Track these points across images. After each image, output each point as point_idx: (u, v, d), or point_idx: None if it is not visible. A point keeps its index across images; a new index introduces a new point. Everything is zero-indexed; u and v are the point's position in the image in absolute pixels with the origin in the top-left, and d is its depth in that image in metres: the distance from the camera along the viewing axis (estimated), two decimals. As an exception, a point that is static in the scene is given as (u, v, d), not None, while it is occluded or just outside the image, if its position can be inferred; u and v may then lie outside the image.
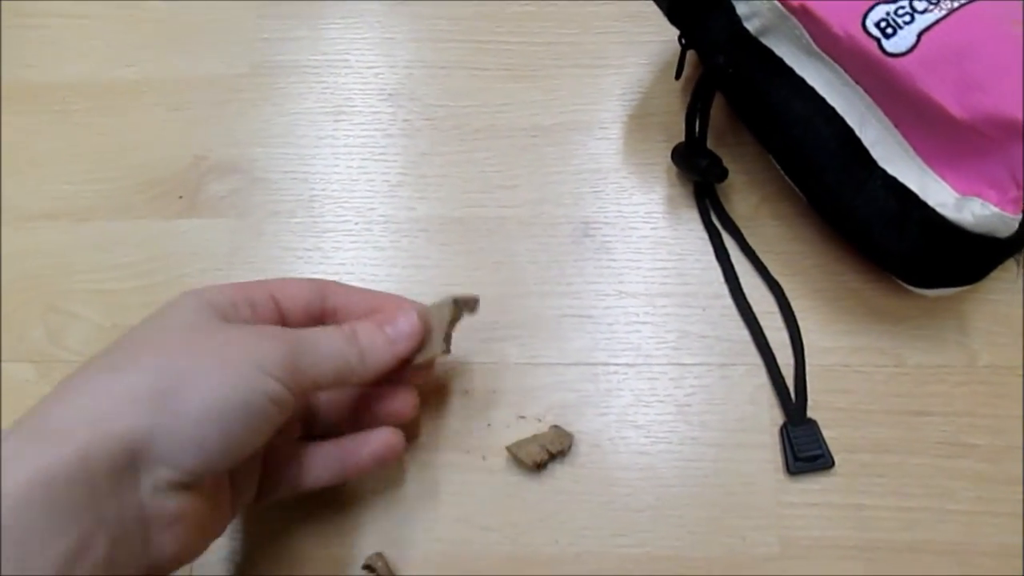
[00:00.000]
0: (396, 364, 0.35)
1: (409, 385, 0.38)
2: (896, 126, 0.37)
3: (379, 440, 0.36)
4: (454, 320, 0.37)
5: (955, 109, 0.34)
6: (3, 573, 0.24)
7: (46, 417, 0.28)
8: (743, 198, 0.45)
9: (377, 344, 0.34)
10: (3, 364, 0.44)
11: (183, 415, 0.28)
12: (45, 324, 0.45)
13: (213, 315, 0.32)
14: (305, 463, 0.36)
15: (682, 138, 0.44)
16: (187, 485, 0.29)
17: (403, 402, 0.37)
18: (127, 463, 0.27)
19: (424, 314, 0.36)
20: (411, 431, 0.41)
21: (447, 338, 0.37)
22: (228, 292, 0.33)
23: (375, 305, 0.36)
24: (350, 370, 0.33)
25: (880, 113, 0.37)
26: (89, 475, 0.26)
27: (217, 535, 0.33)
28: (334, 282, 0.37)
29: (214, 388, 0.29)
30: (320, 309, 0.36)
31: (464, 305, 0.37)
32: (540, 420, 0.41)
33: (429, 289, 0.44)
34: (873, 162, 0.38)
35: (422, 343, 0.36)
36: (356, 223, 0.46)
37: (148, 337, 0.31)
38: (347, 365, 0.33)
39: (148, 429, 0.27)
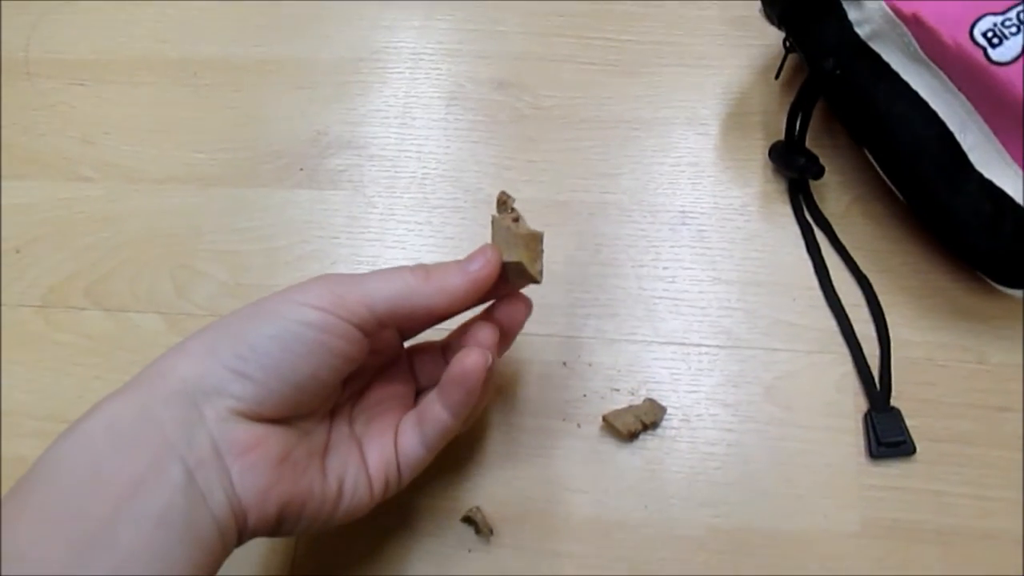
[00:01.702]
0: (478, 290, 0.35)
1: (482, 346, 0.36)
2: (995, 132, 0.39)
3: (455, 365, 0.35)
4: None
5: (1055, 118, 0.36)
6: (81, 481, 0.28)
7: (157, 367, 0.32)
8: (836, 197, 0.47)
9: (449, 267, 0.35)
10: (135, 315, 0.47)
11: (224, 353, 0.31)
12: (173, 280, 0.48)
13: None
14: (423, 415, 0.37)
15: (779, 137, 0.46)
16: (248, 413, 0.31)
17: (515, 311, 0.37)
18: (187, 403, 0.30)
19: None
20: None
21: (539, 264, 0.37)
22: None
23: None
24: (411, 290, 0.33)
25: (980, 120, 0.39)
26: (151, 417, 0.30)
27: (331, 501, 0.34)
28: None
29: (250, 324, 0.32)
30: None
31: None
32: (633, 394, 0.44)
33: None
34: (971, 165, 0.40)
35: (504, 271, 0.36)
36: (465, 201, 0.49)
37: None
38: (407, 285, 0.33)
39: (199, 374, 0.31)
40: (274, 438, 0.32)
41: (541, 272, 0.37)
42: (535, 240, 0.36)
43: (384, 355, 0.39)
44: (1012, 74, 0.37)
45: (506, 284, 0.37)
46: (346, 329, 0.32)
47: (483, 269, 0.35)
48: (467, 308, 0.36)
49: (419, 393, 0.40)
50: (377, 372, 0.39)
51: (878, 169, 0.43)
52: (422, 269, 0.34)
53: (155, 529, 0.28)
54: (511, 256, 0.35)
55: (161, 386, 0.31)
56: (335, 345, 0.32)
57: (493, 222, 0.37)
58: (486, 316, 0.38)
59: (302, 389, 0.32)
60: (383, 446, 0.37)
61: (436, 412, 0.36)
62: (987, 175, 0.39)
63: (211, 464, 0.30)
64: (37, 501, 0.28)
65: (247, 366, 0.31)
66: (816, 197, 0.47)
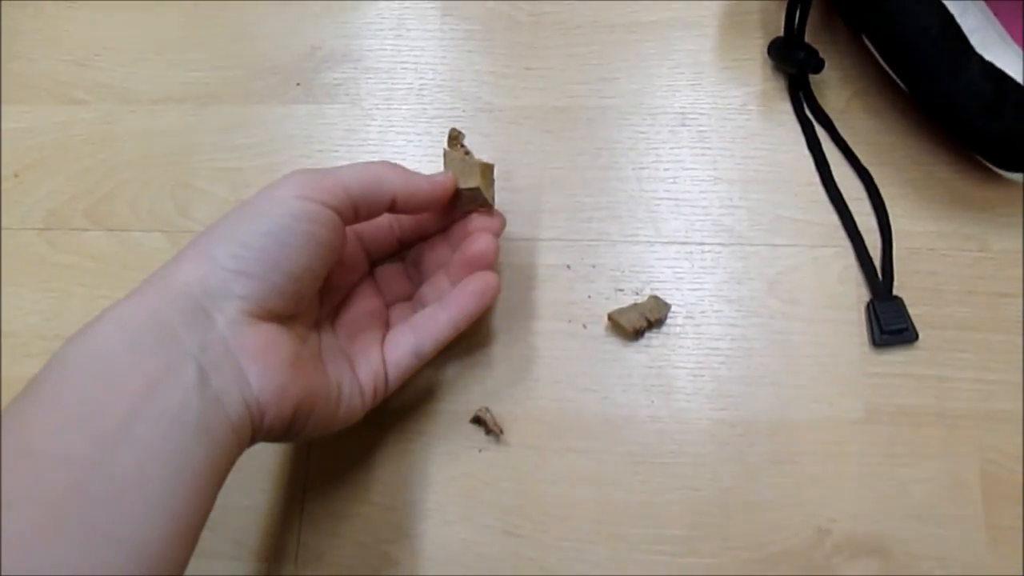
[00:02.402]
0: (437, 195, 0.38)
1: (486, 231, 0.40)
2: (996, 14, 0.39)
3: (475, 281, 0.39)
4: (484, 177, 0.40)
5: (1056, -6, 0.36)
6: (96, 380, 0.28)
7: (161, 272, 0.32)
8: (836, 93, 0.47)
9: (413, 173, 0.37)
10: (137, 234, 0.47)
11: (220, 256, 0.32)
12: (174, 198, 0.48)
13: None
14: (418, 326, 0.39)
15: (777, 35, 0.46)
16: (256, 311, 0.32)
17: (484, 243, 0.39)
18: (195, 307, 0.31)
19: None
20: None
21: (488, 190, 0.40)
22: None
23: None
24: (381, 175, 0.36)
25: (981, 1, 0.39)
26: (162, 321, 0.30)
27: (329, 396, 0.35)
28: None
29: (240, 225, 0.33)
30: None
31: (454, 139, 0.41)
32: (637, 294, 0.44)
33: (533, 171, 0.46)
34: (971, 48, 0.40)
35: (456, 196, 0.39)
36: (463, 111, 0.49)
37: None
38: (377, 170, 0.36)
39: (200, 277, 0.31)
40: (283, 339, 0.33)
41: (493, 198, 0.41)
42: (489, 169, 0.40)
43: (354, 272, 0.41)
44: (1013, -49, 0.37)
45: (456, 210, 0.40)
46: (328, 216, 0.34)
47: (445, 181, 0.38)
48: (423, 213, 0.41)
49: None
50: (348, 291, 0.41)
51: (878, 58, 0.43)
52: (385, 163, 0.37)
53: (171, 428, 0.29)
54: (467, 183, 0.39)
55: (167, 291, 0.31)
56: (320, 234, 0.33)
57: (445, 155, 0.40)
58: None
59: (300, 280, 0.33)
60: (370, 360, 0.38)
61: (438, 323, 0.39)
62: (988, 57, 0.39)
63: (225, 366, 0.31)
64: (52, 398, 0.28)
65: (245, 264, 0.32)
66: (816, 93, 0.47)
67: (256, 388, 0.31)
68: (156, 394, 0.29)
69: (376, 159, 0.47)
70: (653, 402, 0.42)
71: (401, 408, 0.43)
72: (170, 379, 0.29)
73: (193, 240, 0.33)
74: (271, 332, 0.33)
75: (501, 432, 0.42)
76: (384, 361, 0.38)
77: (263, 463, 0.42)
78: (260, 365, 0.32)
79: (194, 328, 0.30)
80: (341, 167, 0.36)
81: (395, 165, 0.37)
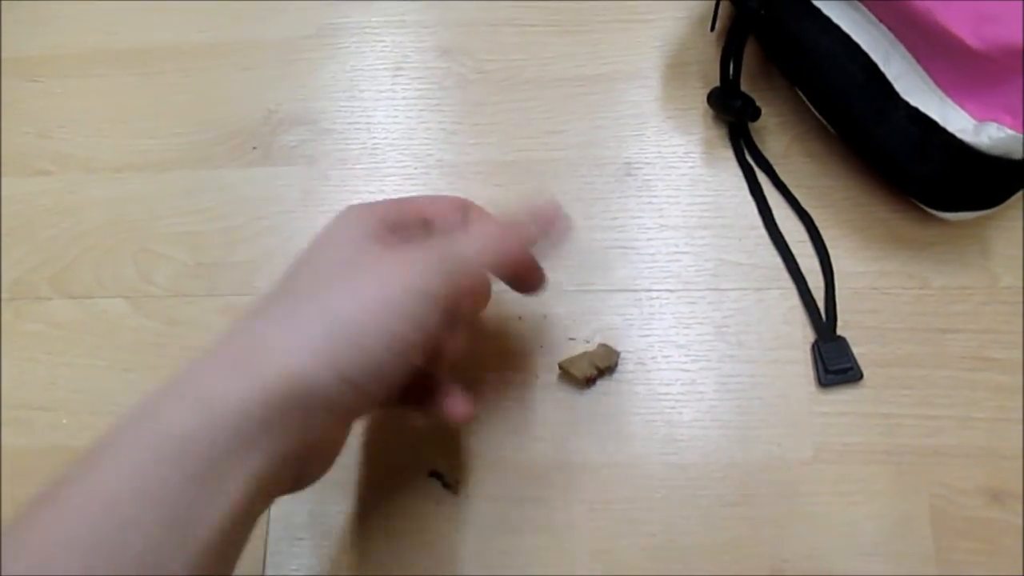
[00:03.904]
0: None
1: (467, 395, 0.38)
2: (918, 60, 0.40)
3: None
4: None
5: (972, 40, 0.37)
6: (191, 487, 0.27)
7: (251, 345, 0.30)
8: (775, 138, 0.48)
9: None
10: (100, 301, 0.48)
11: (351, 364, 0.30)
12: (136, 264, 0.49)
13: (373, 241, 0.33)
14: None
15: (717, 84, 0.47)
16: (350, 420, 0.33)
17: (463, 411, 0.37)
18: (305, 399, 0.29)
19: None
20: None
21: None
22: (381, 212, 0.35)
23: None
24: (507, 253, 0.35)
25: (903, 49, 0.40)
26: (298, 400, 0.29)
27: None
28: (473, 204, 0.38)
29: (374, 334, 0.30)
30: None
31: None
32: (588, 341, 0.45)
33: (484, 225, 0.48)
34: (897, 95, 0.41)
35: None
36: (416, 168, 0.50)
37: (317, 272, 0.33)
38: (507, 250, 0.35)
39: (325, 378, 0.29)
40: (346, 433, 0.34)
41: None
42: None
43: None
44: (929, 1, 0.38)
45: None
46: (441, 321, 0.32)
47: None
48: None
49: None
50: None
51: (810, 107, 0.44)
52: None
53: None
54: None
55: (298, 371, 0.29)
56: (427, 344, 0.33)
57: None
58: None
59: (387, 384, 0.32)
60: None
61: None
62: (913, 102, 0.40)
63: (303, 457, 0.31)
64: (142, 494, 0.27)
65: (371, 382, 0.31)
66: (756, 140, 0.48)
67: (307, 472, 0.33)
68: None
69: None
70: (607, 449, 0.43)
71: (359, 464, 0.43)
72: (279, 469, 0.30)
73: (297, 303, 0.31)
74: (347, 430, 0.34)
75: (458, 484, 0.43)
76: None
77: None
78: (325, 459, 0.33)
79: (306, 417, 0.30)
80: (474, 244, 0.34)
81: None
